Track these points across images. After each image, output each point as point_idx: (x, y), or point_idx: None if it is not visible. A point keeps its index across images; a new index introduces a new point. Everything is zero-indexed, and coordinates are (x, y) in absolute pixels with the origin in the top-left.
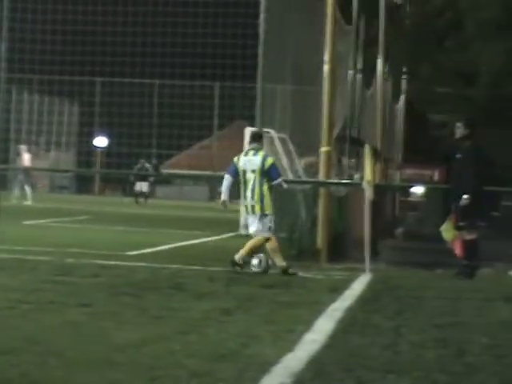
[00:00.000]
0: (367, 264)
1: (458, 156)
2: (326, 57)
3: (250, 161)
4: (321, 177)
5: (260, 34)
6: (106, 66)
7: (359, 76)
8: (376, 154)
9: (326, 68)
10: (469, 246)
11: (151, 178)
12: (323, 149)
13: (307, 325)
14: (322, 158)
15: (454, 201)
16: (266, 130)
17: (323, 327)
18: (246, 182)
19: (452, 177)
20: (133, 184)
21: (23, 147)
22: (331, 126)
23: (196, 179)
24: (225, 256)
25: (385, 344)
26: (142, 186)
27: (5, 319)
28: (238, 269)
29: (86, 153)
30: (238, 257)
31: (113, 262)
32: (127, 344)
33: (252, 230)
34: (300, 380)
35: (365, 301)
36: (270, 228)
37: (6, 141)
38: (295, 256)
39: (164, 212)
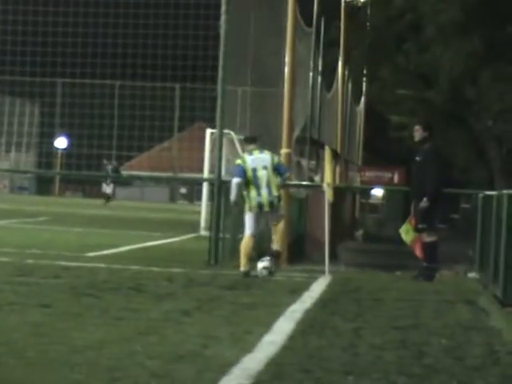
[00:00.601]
0: (327, 266)
1: (418, 158)
2: (287, 59)
3: (258, 158)
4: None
5: (221, 35)
6: (67, 67)
7: (319, 78)
8: (336, 156)
9: (286, 70)
10: (429, 248)
11: (109, 180)
12: (283, 151)
13: (266, 326)
14: (282, 160)
15: (414, 203)
16: (226, 131)
17: (282, 329)
18: (257, 180)
19: (412, 179)
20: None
21: None
22: (291, 127)
23: (157, 181)
24: (185, 257)
25: (344, 346)
26: (107, 188)
27: None
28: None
29: (47, 154)
30: (275, 246)
31: (73, 264)
32: (87, 345)
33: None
34: (258, 381)
35: (324, 302)
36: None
37: None
38: (256, 257)
39: (124, 213)
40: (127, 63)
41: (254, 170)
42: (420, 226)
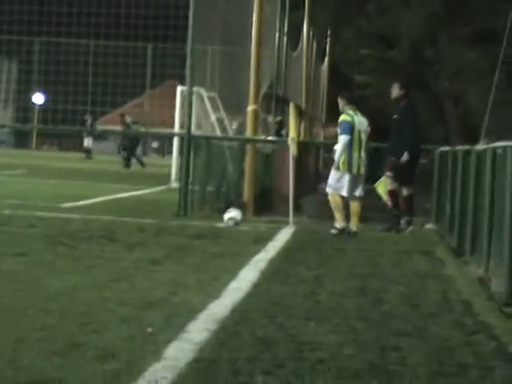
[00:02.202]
0: (291, 217)
1: (394, 116)
2: (254, 19)
3: (361, 122)
4: (248, 134)
5: None
6: (43, 26)
7: (285, 38)
8: (301, 113)
9: (253, 30)
10: (406, 201)
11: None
12: (250, 107)
13: (232, 274)
14: (249, 116)
15: (393, 158)
16: (196, 88)
17: (247, 276)
18: (360, 142)
19: (391, 136)
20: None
21: None
22: (258, 85)
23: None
24: (155, 208)
25: (306, 293)
26: (88, 142)
27: None
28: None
29: (24, 109)
30: (355, 228)
31: (49, 214)
32: (60, 291)
33: (359, 193)
34: (224, 327)
35: (288, 252)
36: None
37: None
38: (223, 209)
39: (99, 166)
40: (101, 22)
41: (359, 132)
42: (397, 179)
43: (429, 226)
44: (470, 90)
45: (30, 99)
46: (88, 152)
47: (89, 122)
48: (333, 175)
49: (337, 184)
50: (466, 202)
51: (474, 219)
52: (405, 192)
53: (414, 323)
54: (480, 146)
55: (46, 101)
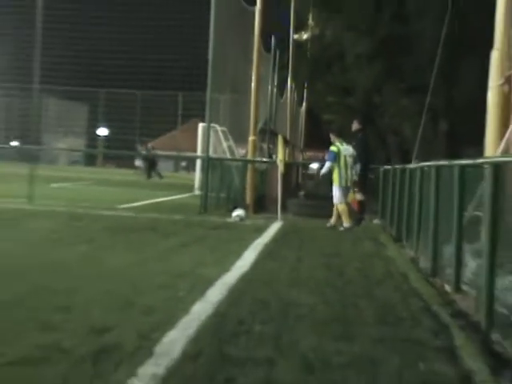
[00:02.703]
0: (279, 215)
1: (353, 144)
2: (253, 75)
3: (346, 149)
4: (249, 157)
5: (209, 58)
6: (104, 80)
7: (275, 89)
8: (286, 142)
9: (252, 83)
10: (361, 204)
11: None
12: (250, 138)
13: (238, 254)
14: (250, 144)
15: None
16: (212, 124)
17: (249, 256)
18: (346, 164)
19: None
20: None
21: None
22: (256, 122)
23: (167, 157)
24: (184, 208)
25: (290, 268)
26: (140, 163)
27: (46, 248)
28: (347, 227)
29: (92, 138)
30: (345, 224)
31: (109, 212)
32: (117, 266)
33: (348, 199)
34: (233, 291)
35: (277, 238)
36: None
37: None
38: (231, 209)
39: (143, 179)
40: (145, 77)
41: (345, 157)
42: (355, 189)
43: (375, 221)
44: (405, 126)
45: (96, 132)
46: (139, 169)
47: (149, 146)
48: (336, 191)
49: (342, 196)
50: (402, 204)
51: (408, 216)
52: (359, 198)
53: (366, 288)
54: (412, 165)
55: (108, 133)
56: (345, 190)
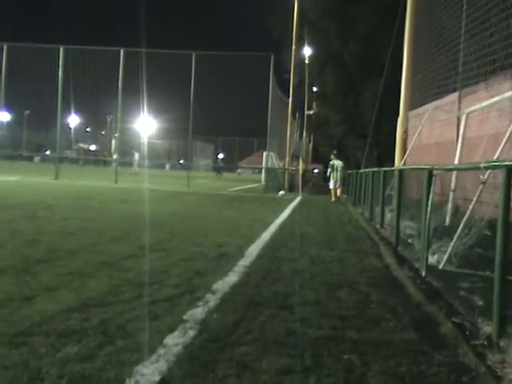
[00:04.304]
0: (300, 193)
1: (331, 163)
2: (288, 130)
3: (338, 163)
4: (285, 166)
5: (268, 124)
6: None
7: (298, 135)
8: (303, 159)
9: (288, 133)
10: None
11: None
12: (286, 158)
13: (282, 211)
14: (287, 161)
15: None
16: (271, 153)
17: (286, 213)
18: (337, 171)
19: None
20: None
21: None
22: (290, 150)
23: (249, 168)
24: (255, 190)
25: (305, 216)
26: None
27: (194, 208)
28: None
29: (215, 160)
30: (334, 199)
31: (223, 192)
32: (227, 216)
33: (338, 185)
34: (279, 227)
35: (300, 204)
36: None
37: None
38: (278, 190)
39: (237, 178)
40: (241, 129)
41: (337, 167)
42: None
43: (345, 196)
44: (358, 152)
45: (217, 156)
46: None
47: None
48: (331, 183)
49: (331, 185)
50: (358, 188)
51: (359, 193)
52: (339, 190)
53: (340, 227)
54: (361, 171)
55: (223, 157)
56: (335, 183)
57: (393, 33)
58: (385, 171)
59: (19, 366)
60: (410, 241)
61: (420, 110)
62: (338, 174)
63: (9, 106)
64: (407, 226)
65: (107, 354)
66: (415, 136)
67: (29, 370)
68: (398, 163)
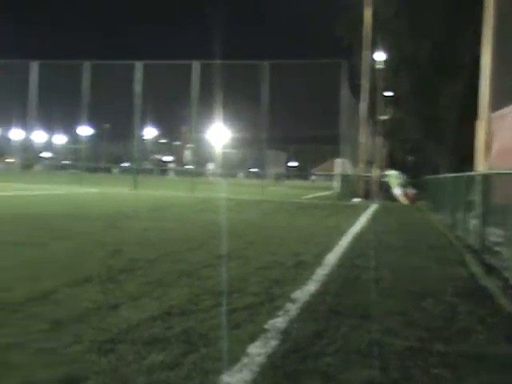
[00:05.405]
0: (375, 200)
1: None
2: (361, 137)
3: (394, 172)
4: (359, 173)
5: (340, 131)
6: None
7: (371, 141)
8: (377, 166)
9: (361, 140)
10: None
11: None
12: (360, 165)
13: (357, 218)
14: (360, 168)
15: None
16: (345, 159)
17: (363, 219)
18: (396, 178)
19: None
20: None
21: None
22: (363, 158)
23: (322, 175)
24: (328, 198)
25: (382, 224)
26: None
27: (269, 216)
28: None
29: (287, 168)
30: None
31: (296, 200)
32: (301, 224)
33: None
34: (356, 235)
35: (376, 211)
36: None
37: None
38: (352, 197)
39: (310, 185)
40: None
41: (395, 174)
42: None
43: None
44: (436, 156)
45: (288, 164)
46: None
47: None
48: (395, 190)
49: (395, 191)
50: (439, 196)
51: (437, 199)
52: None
53: (420, 233)
54: (441, 176)
55: (298, 164)
56: (400, 189)
57: (470, 31)
58: (467, 176)
59: (109, 373)
60: (497, 248)
61: (505, 110)
62: (398, 180)
63: (91, 121)
64: (493, 233)
65: (191, 362)
66: (499, 138)
67: (117, 377)
68: (480, 167)
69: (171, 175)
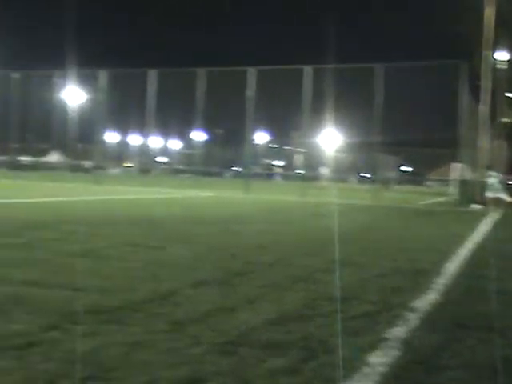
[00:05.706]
0: (496, 206)
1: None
2: (481, 141)
3: (496, 176)
4: (480, 178)
5: (459, 135)
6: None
7: (492, 145)
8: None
9: (481, 144)
10: None
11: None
12: (480, 170)
13: (478, 227)
14: (480, 173)
15: None
16: (459, 164)
17: (483, 229)
18: (497, 183)
19: None
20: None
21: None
22: (483, 162)
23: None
24: (445, 204)
25: (507, 236)
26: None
27: (383, 221)
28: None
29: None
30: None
31: (410, 205)
32: (421, 233)
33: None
34: (476, 243)
35: (498, 219)
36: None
37: None
38: (470, 204)
39: (427, 190)
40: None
41: (495, 179)
42: None
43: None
44: None
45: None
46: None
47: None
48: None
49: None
50: None
51: None
52: None
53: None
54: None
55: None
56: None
57: None
58: None
59: (229, 374)
60: None
61: None
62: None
63: (205, 127)
64: None
65: (311, 368)
66: None
67: (238, 379)
68: None
69: (278, 179)
